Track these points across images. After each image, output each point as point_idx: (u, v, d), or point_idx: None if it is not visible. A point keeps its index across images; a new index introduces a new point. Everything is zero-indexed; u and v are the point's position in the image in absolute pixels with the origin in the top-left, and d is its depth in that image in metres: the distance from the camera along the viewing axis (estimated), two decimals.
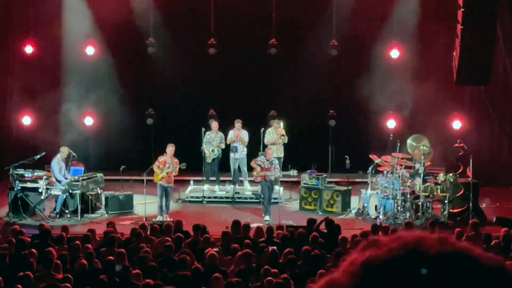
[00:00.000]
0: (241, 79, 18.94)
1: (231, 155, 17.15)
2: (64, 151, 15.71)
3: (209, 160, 17.23)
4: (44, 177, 15.34)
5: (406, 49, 18.40)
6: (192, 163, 16.58)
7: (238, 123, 17.14)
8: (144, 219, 14.80)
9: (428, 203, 15.12)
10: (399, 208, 14.99)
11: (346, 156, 16.44)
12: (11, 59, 18.80)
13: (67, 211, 15.34)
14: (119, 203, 16.03)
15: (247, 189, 17.33)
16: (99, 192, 16.03)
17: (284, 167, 16.35)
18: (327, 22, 18.40)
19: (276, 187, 16.52)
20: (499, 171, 18.55)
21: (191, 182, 17.82)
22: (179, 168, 15.46)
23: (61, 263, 10.07)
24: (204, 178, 17.47)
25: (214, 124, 17.30)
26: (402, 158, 15.39)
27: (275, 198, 16.20)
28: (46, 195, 15.33)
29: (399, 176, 15.11)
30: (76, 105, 18.93)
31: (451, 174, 15.29)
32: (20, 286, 9.00)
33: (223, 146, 17.21)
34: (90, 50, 18.67)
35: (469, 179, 15.36)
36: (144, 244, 11.12)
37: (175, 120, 18.96)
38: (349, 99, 18.76)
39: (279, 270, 9.75)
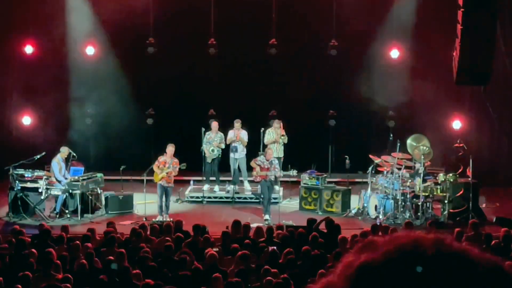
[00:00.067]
0: (241, 79, 18.94)
1: (231, 155, 17.15)
2: (64, 151, 15.71)
3: (209, 160, 17.23)
4: (44, 177, 15.34)
5: (406, 49, 18.42)
6: (192, 163, 16.58)
7: (237, 123, 17.14)
8: (144, 219, 14.80)
9: (428, 203, 15.12)
10: (399, 208, 14.99)
11: (346, 156, 16.43)
12: (11, 59, 18.79)
13: (67, 211, 15.34)
14: (119, 203, 16.03)
15: (247, 189, 17.33)
16: (99, 192, 16.04)
17: (284, 167, 16.35)
18: (327, 22, 18.40)
19: (276, 187, 16.52)
20: (499, 171, 18.55)
21: (191, 182, 17.82)
22: (179, 168, 15.46)
23: (61, 263, 10.07)
24: (204, 178, 17.47)
25: (214, 124, 17.30)
26: (402, 158, 15.39)
27: (274, 198, 16.21)
28: (46, 195, 15.33)
29: (399, 176, 15.11)
30: (76, 105, 18.95)
31: (451, 174, 15.29)
32: (20, 286, 9.00)
33: (223, 146, 17.21)
34: (90, 50, 18.68)
35: (469, 179, 15.36)
36: (144, 244, 11.12)
37: (175, 120, 18.96)
38: (349, 99, 18.77)
39: (279, 270, 9.75)
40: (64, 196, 15.37)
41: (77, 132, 18.76)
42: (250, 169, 16.16)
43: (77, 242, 11.15)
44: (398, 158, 15.26)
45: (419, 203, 14.95)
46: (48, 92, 18.55)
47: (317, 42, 18.57)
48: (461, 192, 15.29)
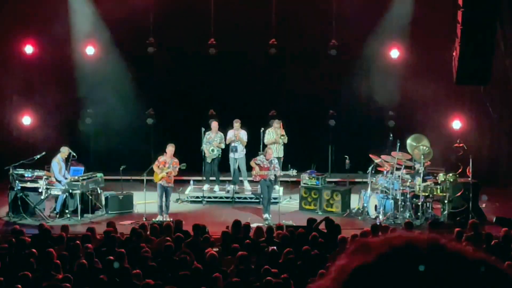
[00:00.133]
0: (241, 79, 18.94)
1: (231, 155, 17.15)
2: (64, 151, 15.71)
3: (209, 160, 17.24)
4: (44, 177, 15.34)
5: (406, 49, 18.41)
6: (192, 163, 16.59)
7: (237, 123, 17.15)
8: (144, 219, 14.80)
9: (428, 203, 15.13)
10: (399, 208, 14.99)
11: (346, 156, 16.43)
12: (11, 59, 18.79)
13: (67, 211, 15.34)
14: (119, 203, 16.03)
15: (247, 189, 17.33)
16: (99, 192, 16.04)
17: (284, 167, 16.36)
18: (327, 22, 18.41)
19: (276, 187, 16.53)
20: (499, 171, 18.56)
21: (191, 182, 17.82)
22: (179, 168, 15.46)
23: (61, 263, 10.07)
24: (204, 178, 17.48)
25: (214, 124, 17.30)
26: (401, 158, 15.38)
27: (274, 198, 16.21)
28: (46, 195, 15.33)
29: (399, 176, 15.12)
30: (76, 105, 18.95)
31: (451, 174, 15.29)
32: (20, 286, 9.00)
33: (223, 146, 17.22)
34: (90, 50, 18.68)
35: (469, 179, 15.36)
36: (144, 244, 11.12)
37: (175, 120, 18.96)
38: (349, 99, 18.77)
39: (279, 270, 9.75)
40: (64, 196, 15.37)
41: (77, 132, 18.76)
42: (250, 168, 16.17)
43: (77, 242, 11.15)
44: (398, 158, 15.25)
45: (419, 203, 14.95)
46: (48, 92, 18.56)
47: (317, 42, 18.56)
48: (461, 192, 15.29)
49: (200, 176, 17.49)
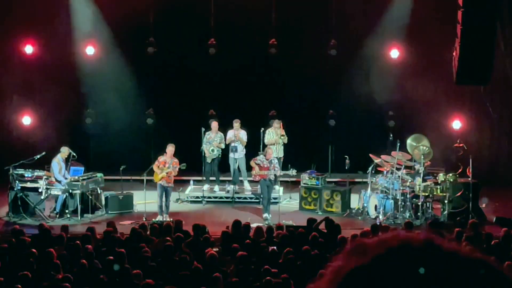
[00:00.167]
0: (241, 79, 18.94)
1: (231, 155, 17.15)
2: (65, 151, 15.71)
3: (209, 160, 17.24)
4: (44, 177, 15.35)
5: (406, 49, 18.41)
6: (192, 163, 16.59)
7: (236, 123, 17.15)
8: (144, 219, 14.80)
9: (428, 203, 15.13)
10: (399, 208, 14.99)
11: (346, 156, 16.44)
12: (11, 59, 18.79)
13: (67, 211, 15.34)
14: (119, 203, 16.03)
15: (247, 189, 17.34)
16: (99, 192, 16.04)
17: (284, 167, 16.36)
18: (327, 22, 18.41)
19: (276, 187, 16.53)
20: (499, 171, 18.55)
21: (191, 182, 17.83)
22: (179, 168, 15.47)
23: (61, 263, 10.07)
24: (204, 178, 17.48)
25: (214, 124, 17.30)
26: (401, 159, 15.38)
27: (274, 198, 16.21)
28: (46, 195, 15.33)
29: (399, 176, 15.12)
30: (76, 105, 18.95)
31: (451, 174, 15.29)
32: (20, 286, 9.00)
33: (223, 146, 17.22)
34: (90, 50, 18.67)
35: (469, 179, 15.36)
36: (144, 244, 11.11)
37: (175, 120, 18.96)
38: (349, 99, 18.76)
39: (279, 270, 9.75)
40: (64, 196, 15.37)
41: (77, 132, 18.76)
42: (250, 168, 16.17)
43: (77, 242, 11.15)
44: (398, 158, 15.25)
45: (419, 203, 14.95)
46: (48, 92, 18.55)
47: (317, 42, 18.56)
48: (461, 192, 15.29)
49: (200, 176, 17.49)
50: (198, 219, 14.20)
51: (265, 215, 15.23)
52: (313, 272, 9.39)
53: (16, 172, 15.41)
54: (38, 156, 15.80)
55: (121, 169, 16.22)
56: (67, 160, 15.80)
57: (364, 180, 16.50)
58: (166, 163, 15.36)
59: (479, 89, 17.72)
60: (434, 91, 18.15)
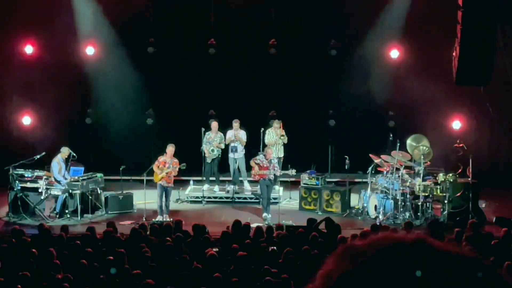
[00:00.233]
0: (241, 79, 18.94)
1: (230, 155, 17.16)
2: (65, 151, 15.71)
3: (208, 160, 17.24)
4: (44, 177, 15.35)
5: (406, 49, 18.41)
6: (192, 163, 16.59)
7: (236, 123, 17.16)
8: (144, 219, 14.80)
9: (428, 203, 15.13)
10: (398, 208, 14.99)
11: (346, 156, 16.44)
12: (11, 59, 18.78)
13: (67, 211, 15.34)
14: (119, 203, 16.03)
15: (247, 189, 17.34)
16: (99, 192, 16.04)
17: (284, 167, 16.36)
18: (327, 22, 18.41)
19: (276, 187, 16.53)
20: (498, 171, 18.55)
21: (191, 182, 17.83)
22: (179, 168, 15.47)
23: (61, 263, 10.07)
24: (204, 178, 17.48)
25: (214, 124, 17.30)
26: (401, 159, 15.38)
27: (274, 198, 16.21)
28: (46, 195, 15.33)
29: (399, 176, 15.12)
30: (76, 105, 18.94)
31: (450, 174, 15.29)
32: (20, 286, 9.00)
33: (222, 146, 17.22)
34: (90, 50, 18.67)
35: (469, 179, 15.36)
36: (144, 244, 11.11)
37: (175, 120, 18.96)
38: (349, 99, 18.75)
39: (279, 270, 9.75)
40: (64, 196, 15.37)
41: (77, 132, 18.76)
42: (250, 168, 16.17)
43: (77, 242, 11.15)
44: (398, 158, 15.24)
45: (419, 203, 14.95)
46: (48, 92, 18.55)
47: (317, 42, 18.56)
48: (461, 192, 15.29)
49: (200, 176, 17.49)
50: (198, 219, 14.20)
51: (265, 215, 15.24)
52: (313, 272, 9.39)
53: (16, 172, 15.41)
54: (38, 156, 15.80)
55: (121, 169, 16.22)
56: (67, 160, 15.80)
57: (364, 180, 16.49)
58: (166, 163, 15.36)
59: (479, 89, 17.70)
60: (434, 91, 18.14)
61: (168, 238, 11.42)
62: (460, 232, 11.81)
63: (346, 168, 16.38)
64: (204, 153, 17.21)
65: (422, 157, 15.19)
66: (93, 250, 10.79)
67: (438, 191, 15.11)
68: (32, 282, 9.27)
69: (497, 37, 15.62)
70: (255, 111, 18.49)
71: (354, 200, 16.17)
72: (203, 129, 17.30)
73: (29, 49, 18.54)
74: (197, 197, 16.99)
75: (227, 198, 17.05)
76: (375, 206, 15.35)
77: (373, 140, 18.03)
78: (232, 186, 17.08)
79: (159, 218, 15.09)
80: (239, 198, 16.98)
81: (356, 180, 17.59)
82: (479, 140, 18.34)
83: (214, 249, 10.96)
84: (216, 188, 17.40)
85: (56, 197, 15.46)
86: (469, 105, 18.76)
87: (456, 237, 11.64)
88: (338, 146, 18.40)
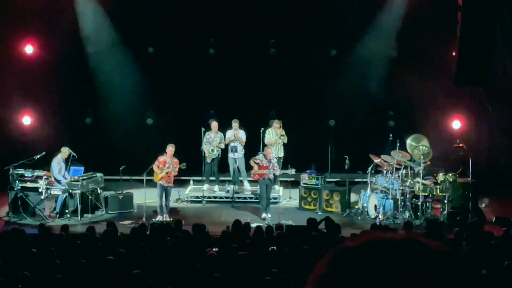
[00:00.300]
0: (241, 79, 18.94)
1: (230, 155, 17.16)
2: (65, 151, 15.72)
3: (208, 160, 17.25)
4: (44, 177, 15.35)
5: (406, 49, 18.40)
6: (192, 163, 16.59)
7: (235, 123, 17.17)
8: (144, 219, 14.80)
9: (427, 203, 15.13)
10: (398, 208, 15.00)
11: (346, 156, 16.44)
12: (11, 59, 18.78)
13: (67, 211, 15.35)
14: (119, 203, 16.04)
15: (247, 189, 17.35)
16: (99, 192, 16.05)
17: (284, 167, 16.37)
18: (327, 22, 18.41)
19: (276, 187, 16.53)
20: (498, 171, 18.54)
21: (191, 182, 17.83)
22: (179, 168, 15.47)
23: (61, 263, 10.07)
24: (204, 178, 17.49)
25: (214, 124, 17.31)
26: (401, 158, 15.38)
27: (274, 198, 16.21)
28: (46, 195, 15.34)
29: (398, 176, 15.12)
30: (76, 105, 18.95)
31: (450, 174, 15.30)
32: (20, 286, 9.00)
33: (222, 146, 17.23)
34: (90, 50, 18.66)
35: (469, 179, 15.37)
36: (144, 244, 11.11)
37: (175, 120, 18.96)
38: (349, 99, 18.76)
39: (279, 270, 9.76)
40: (64, 196, 15.37)
41: (77, 132, 18.76)
42: (250, 168, 16.18)
43: (77, 242, 11.15)
44: (398, 158, 15.24)
45: (419, 203, 14.95)
46: (48, 92, 18.55)
47: (317, 42, 18.57)
48: (460, 192, 15.30)
49: (200, 176, 17.50)
50: (198, 219, 14.20)
51: (264, 215, 15.24)
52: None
53: (16, 172, 15.41)
54: (38, 156, 15.80)
55: (121, 169, 16.23)
56: (67, 160, 15.80)
57: (364, 180, 16.50)
58: (166, 163, 15.37)
59: (479, 89, 17.73)
60: (434, 91, 18.14)
61: (168, 238, 11.43)
62: (460, 232, 11.81)
63: (346, 168, 16.39)
64: (204, 153, 17.22)
65: (422, 157, 15.20)
66: (93, 250, 10.79)
67: (438, 191, 15.12)
68: (32, 282, 9.27)
69: (497, 37, 15.63)
70: (255, 111, 18.49)
71: (354, 200, 16.16)
72: (203, 129, 17.31)
73: (29, 49, 18.54)
74: (197, 197, 17.00)
75: (227, 198, 17.05)
76: (375, 206, 15.36)
77: (373, 140, 18.03)
78: (232, 186, 17.09)
79: (159, 218, 15.10)
80: (239, 198, 16.99)
81: (356, 180, 17.60)
82: (479, 140, 18.34)
83: (214, 249, 10.96)
84: (216, 188, 17.41)
85: (56, 197, 15.46)
86: (469, 105, 18.76)
87: (456, 237, 11.64)
88: (338, 146, 18.40)
